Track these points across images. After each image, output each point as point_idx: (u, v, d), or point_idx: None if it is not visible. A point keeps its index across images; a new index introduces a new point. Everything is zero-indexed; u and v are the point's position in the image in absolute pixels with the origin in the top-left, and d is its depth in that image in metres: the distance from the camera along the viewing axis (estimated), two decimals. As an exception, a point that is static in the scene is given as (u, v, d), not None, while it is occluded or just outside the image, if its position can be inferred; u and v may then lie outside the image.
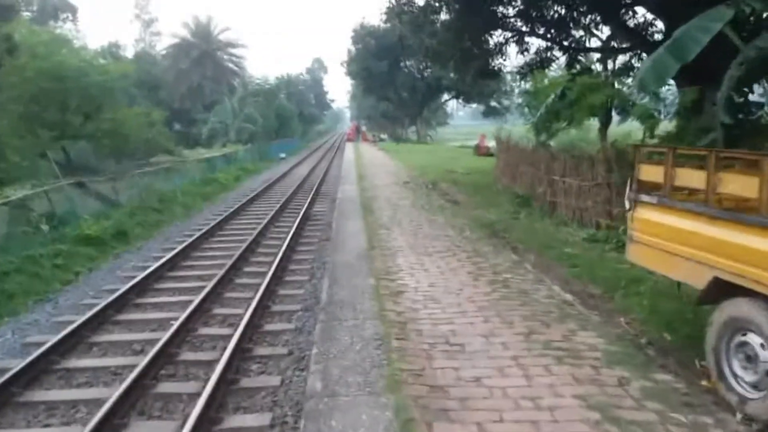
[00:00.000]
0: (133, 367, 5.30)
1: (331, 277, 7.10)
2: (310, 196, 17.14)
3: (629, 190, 4.76)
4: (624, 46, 13.88)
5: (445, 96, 61.77)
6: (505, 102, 56.78)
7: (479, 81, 17.59)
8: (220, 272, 8.58)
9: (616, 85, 18.73)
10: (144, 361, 5.33)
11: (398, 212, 11.81)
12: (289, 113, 55.57)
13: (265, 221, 12.97)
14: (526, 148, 13.39)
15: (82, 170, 22.60)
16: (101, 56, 46.75)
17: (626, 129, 23.25)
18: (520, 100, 35.64)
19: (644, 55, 13.59)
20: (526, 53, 15.22)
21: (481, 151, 30.81)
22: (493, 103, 56.48)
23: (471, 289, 6.25)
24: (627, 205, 4.78)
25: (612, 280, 6.10)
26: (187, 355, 5.79)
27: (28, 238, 11.71)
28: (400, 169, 21.91)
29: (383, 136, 63.13)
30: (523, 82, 35.47)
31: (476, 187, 14.83)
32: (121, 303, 7.50)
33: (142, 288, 8.15)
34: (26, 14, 34.95)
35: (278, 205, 15.43)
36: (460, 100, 62.40)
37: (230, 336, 6.04)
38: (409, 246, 8.57)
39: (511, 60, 17.46)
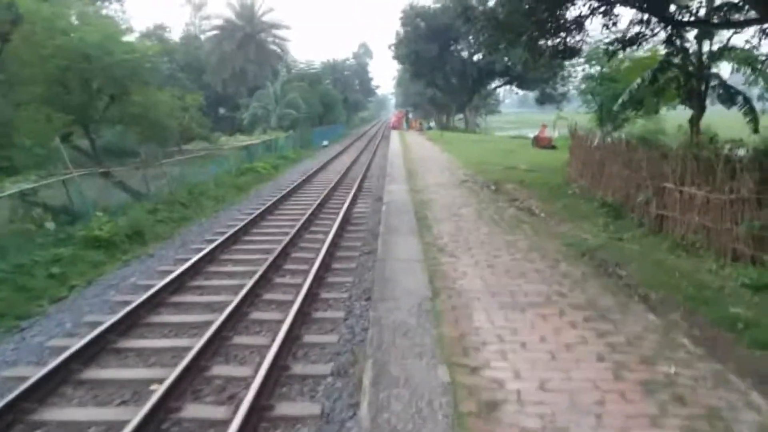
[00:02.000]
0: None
1: (375, 361, 4.31)
2: (352, 192, 15.15)
3: None
4: (747, 18, 11.02)
5: (497, 82, 58.32)
6: (561, 89, 53.06)
7: (554, 61, 14.88)
8: (235, 299, 6.67)
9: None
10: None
11: (462, 227, 9.17)
12: (333, 99, 53.72)
13: (300, 224, 11.07)
14: (618, 144, 10.81)
15: (114, 158, 21.24)
16: (147, 38, 46.34)
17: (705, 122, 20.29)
18: (583, 86, 32.49)
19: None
20: (613, 27, 12.53)
21: (541, 143, 27.88)
22: (549, 90, 52.76)
23: (619, 406, 3.58)
24: None
25: None
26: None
27: (28, 239, 10.21)
28: (453, 164, 19.33)
29: (431, 124, 60.24)
30: (588, 66, 32.45)
31: (549, 190, 12.27)
32: (99, 347, 5.68)
33: (132, 322, 6.32)
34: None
35: (316, 203, 13.52)
36: (513, 87, 58.89)
37: (227, 423, 4.08)
38: (487, 290, 5.93)
39: (591, 36, 14.67)
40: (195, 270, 8.36)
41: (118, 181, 16.07)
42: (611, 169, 10.64)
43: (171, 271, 8.12)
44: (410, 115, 65.20)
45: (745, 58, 15.16)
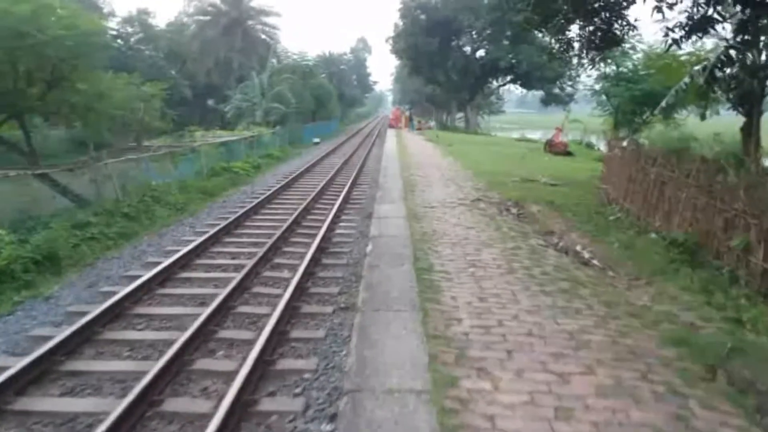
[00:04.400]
0: None
1: None
2: (337, 204, 12.45)
3: None
4: None
5: (500, 80, 55.51)
6: (569, 89, 50.44)
7: (588, 52, 12.13)
8: (118, 408, 3.96)
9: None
10: None
11: (487, 292, 5.97)
12: (327, 93, 50.69)
13: (262, 251, 8.42)
14: (690, 162, 8.07)
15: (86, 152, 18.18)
16: (128, 24, 43.23)
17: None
18: (597, 87, 29.92)
19: None
20: (669, 10, 9.87)
21: (556, 148, 25.05)
22: (556, 90, 50.05)
23: None
24: None
25: None
26: None
27: None
28: (459, 173, 16.26)
29: (432, 123, 57.05)
30: (602, 65, 29.85)
31: (588, 217, 9.49)
32: None
33: None
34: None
35: (291, 218, 10.85)
36: (516, 85, 56.16)
37: None
38: None
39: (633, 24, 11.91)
40: (89, 333, 5.65)
41: (56, 184, 13.24)
42: (678, 193, 7.94)
43: (49, 338, 5.39)
44: (407, 113, 61.69)
45: None
